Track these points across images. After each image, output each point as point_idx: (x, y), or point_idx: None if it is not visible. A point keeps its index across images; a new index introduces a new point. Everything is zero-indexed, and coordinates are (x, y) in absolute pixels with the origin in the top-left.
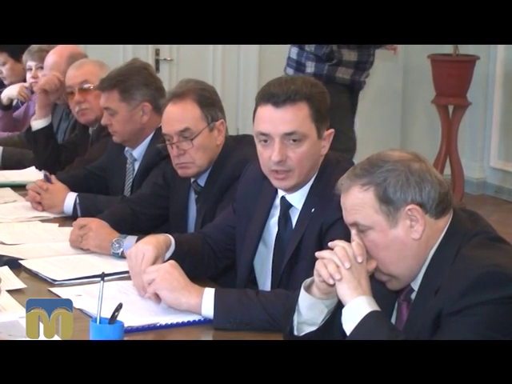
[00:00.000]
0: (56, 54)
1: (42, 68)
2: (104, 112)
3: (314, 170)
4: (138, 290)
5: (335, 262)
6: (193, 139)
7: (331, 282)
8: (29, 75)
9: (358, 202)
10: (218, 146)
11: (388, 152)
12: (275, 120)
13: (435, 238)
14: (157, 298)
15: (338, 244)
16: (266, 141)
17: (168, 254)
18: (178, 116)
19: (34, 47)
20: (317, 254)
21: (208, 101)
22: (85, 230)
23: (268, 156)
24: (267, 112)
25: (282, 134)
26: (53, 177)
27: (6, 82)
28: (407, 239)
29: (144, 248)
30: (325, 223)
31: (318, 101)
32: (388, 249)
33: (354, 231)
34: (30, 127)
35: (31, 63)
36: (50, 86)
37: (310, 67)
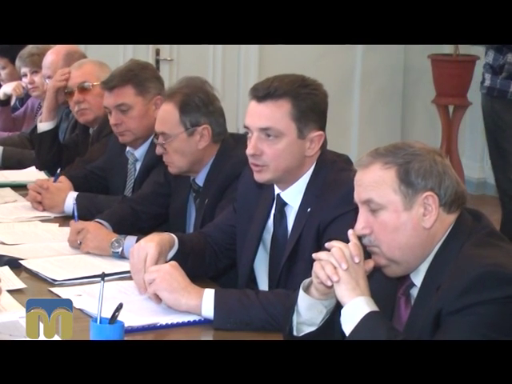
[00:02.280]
0: (53, 53)
1: (36, 72)
2: (113, 111)
3: (297, 169)
4: (139, 289)
5: (332, 264)
6: (165, 142)
7: (329, 283)
8: (25, 81)
9: (377, 178)
10: (202, 150)
11: (412, 141)
12: (254, 114)
13: (442, 232)
14: (157, 298)
15: (335, 245)
16: (248, 133)
17: (171, 253)
18: (160, 118)
19: (24, 53)
20: (314, 255)
21: (189, 107)
22: (82, 233)
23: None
24: (250, 106)
25: (258, 128)
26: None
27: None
28: (418, 226)
29: (147, 245)
30: (322, 222)
31: (303, 101)
32: (397, 231)
33: (351, 230)
34: (34, 128)
35: (25, 69)
36: (61, 83)
37: (487, 80)
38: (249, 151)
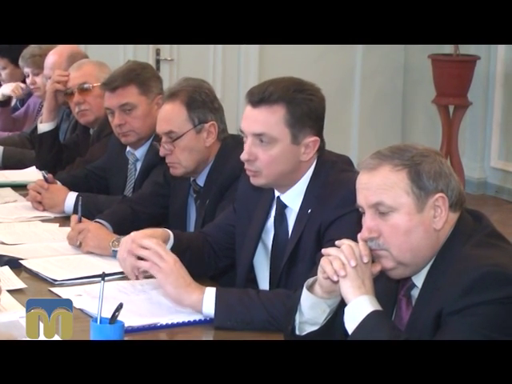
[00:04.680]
0: (56, 53)
1: (37, 74)
2: (116, 112)
3: (294, 173)
4: (128, 275)
5: (341, 260)
6: (175, 141)
7: (335, 278)
8: (28, 81)
9: (387, 181)
10: (209, 148)
11: (412, 143)
12: (249, 119)
13: (448, 231)
14: (138, 274)
15: (345, 242)
16: (243, 138)
17: (167, 248)
18: (166, 117)
19: (26, 54)
20: (323, 250)
21: (197, 103)
22: (83, 233)
23: None
24: (246, 110)
25: (251, 133)
26: (50, 176)
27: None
28: (429, 228)
29: (136, 234)
30: (323, 223)
31: (299, 106)
32: (409, 234)
33: (360, 237)
34: (35, 129)
35: (27, 69)
36: (59, 86)
37: None
38: (243, 156)
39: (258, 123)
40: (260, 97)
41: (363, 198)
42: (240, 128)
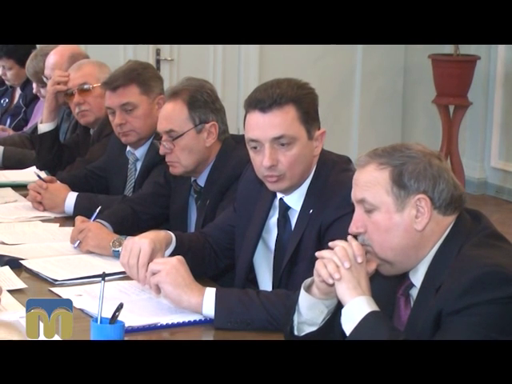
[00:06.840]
0: (57, 54)
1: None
2: (117, 111)
3: (308, 170)
4: (136, 279)
5: (335, 262)
6: (175, 140)
7: (330, 281)
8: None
9: (371, 179)
10: (209, 148)
11: (412, 143)
12: (263, 125)
13: (439, 234)
14: (157, 289)
15: (338, 244)
16: (256, 147)
17: (169, 251)
18: (167, 115)
19: (29, 68)
20: (317, 253)
21: (198, 103)
22: (84, 233)
23: (260, 161)
24: (255, 118)
25: (270, 138)
26: (47, 177)
27: (8, 84)
28: (410, 228)
29: (141, 241)
30: (324, 223)
31: (305, 102)
32: (389, 232)
33: (350, 237)
34: (35, 129)
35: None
36: (60, 87)
37: None
38: (266, 163)
39: (275, 127)
40: (271, 102)
41: (353, 193)
42: (251, 138)
